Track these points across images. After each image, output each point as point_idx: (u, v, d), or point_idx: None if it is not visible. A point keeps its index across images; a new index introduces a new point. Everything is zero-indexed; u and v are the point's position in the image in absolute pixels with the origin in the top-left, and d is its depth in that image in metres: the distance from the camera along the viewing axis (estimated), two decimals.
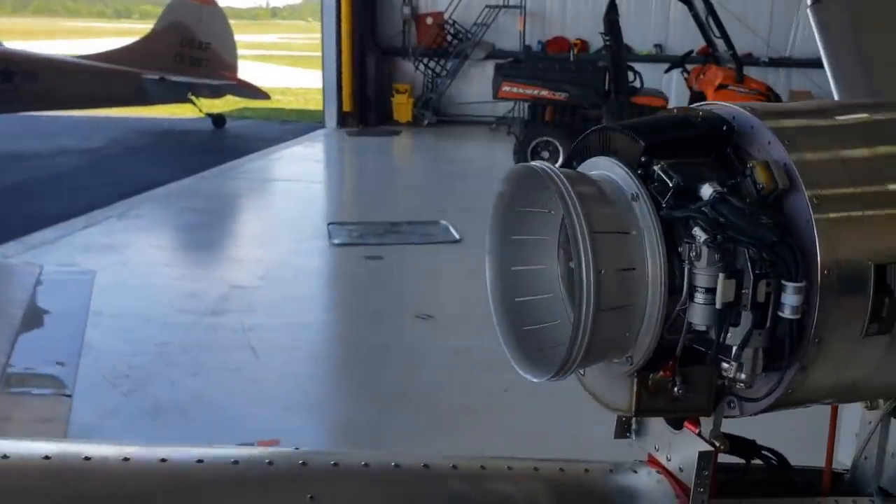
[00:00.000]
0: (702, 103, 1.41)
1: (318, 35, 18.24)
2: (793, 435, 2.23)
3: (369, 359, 6.62)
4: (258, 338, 6.82)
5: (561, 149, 12.16)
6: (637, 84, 12.60)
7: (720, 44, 12.61)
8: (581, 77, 12.41)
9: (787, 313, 1.21)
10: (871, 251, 1.24)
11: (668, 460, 1.52)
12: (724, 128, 1.30)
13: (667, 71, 14.02)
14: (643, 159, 1.28)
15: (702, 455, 1.39)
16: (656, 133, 1.31)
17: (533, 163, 1.34)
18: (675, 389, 1.33)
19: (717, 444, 1.41)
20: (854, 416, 1.71)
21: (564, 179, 1.25)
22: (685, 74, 13.17)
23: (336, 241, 9.69)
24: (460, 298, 8.17)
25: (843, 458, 1.72)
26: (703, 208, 1.21)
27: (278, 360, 6.50)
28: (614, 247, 1.23)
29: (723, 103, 1.37)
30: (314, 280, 9.05)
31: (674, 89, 14.44)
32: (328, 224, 10.32)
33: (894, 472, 1.63)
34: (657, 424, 1.54)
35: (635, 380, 1.33)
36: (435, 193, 12.40)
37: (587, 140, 1.42)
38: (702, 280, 1.22)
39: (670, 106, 12.20)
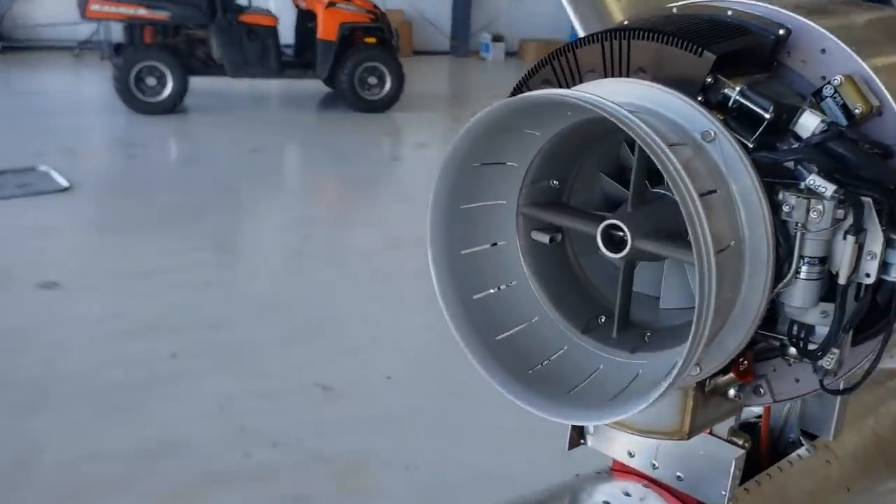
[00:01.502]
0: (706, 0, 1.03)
1: None
2: None
3: None
4: None
5: (169, 74, 10.99)
6: (244, 2, 11.80)
7: None
8: None
9: (893, 275, 0.92)
10: None
11: (655, 468, 1.19)
12: (781, 32, 0.95)
13: None
14: (708, 81, 0.88)
15: (738, 460, 1.09)
16: (714, 41, 0.90)
17: (548, 90, 0.86)
18: (732, 392, 0.99)
19: (740, 441, 1.12)
20: None
21: (634, 117, 0.80)
22: None
23: None
24: (87, 258, 7.02)
25: None
26: (815, 147, 0.86)
27: None
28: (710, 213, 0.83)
29: (742, 0, 1.00)
30: None
31: (273, 8, 13.83)
32: None
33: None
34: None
35: (692, 390, 0.97)
36: (21, 134, 10.46)
37: (570, 55, 0.97)
38: (815, 248, 0.87)
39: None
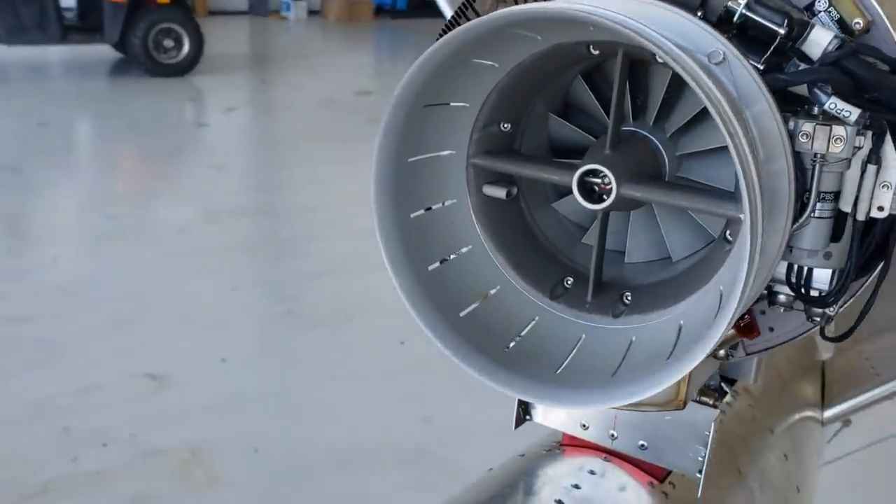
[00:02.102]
0: None
1: None
2: None
3: None
4: None
5: None
6: None
7: None
8: None
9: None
10: None
11: (614, 438, 1.08)
12: None
13: None
14: None
15: (716, 422, 1.00)
16: None
17: (551, 4, 0.69)
18: (724, 352, 0.89)
19: (710, 400, 1.03)
20: None
21: (653, 31, 0.65)
22: None
23: None
24: None
25: None
26: (831, 67, 0.75)
27: None
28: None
29: None
30: None
31: None
32: None
33: None
34: None
35: None
36: None
37: None
38: (831, 181, 0.77)
39: None
